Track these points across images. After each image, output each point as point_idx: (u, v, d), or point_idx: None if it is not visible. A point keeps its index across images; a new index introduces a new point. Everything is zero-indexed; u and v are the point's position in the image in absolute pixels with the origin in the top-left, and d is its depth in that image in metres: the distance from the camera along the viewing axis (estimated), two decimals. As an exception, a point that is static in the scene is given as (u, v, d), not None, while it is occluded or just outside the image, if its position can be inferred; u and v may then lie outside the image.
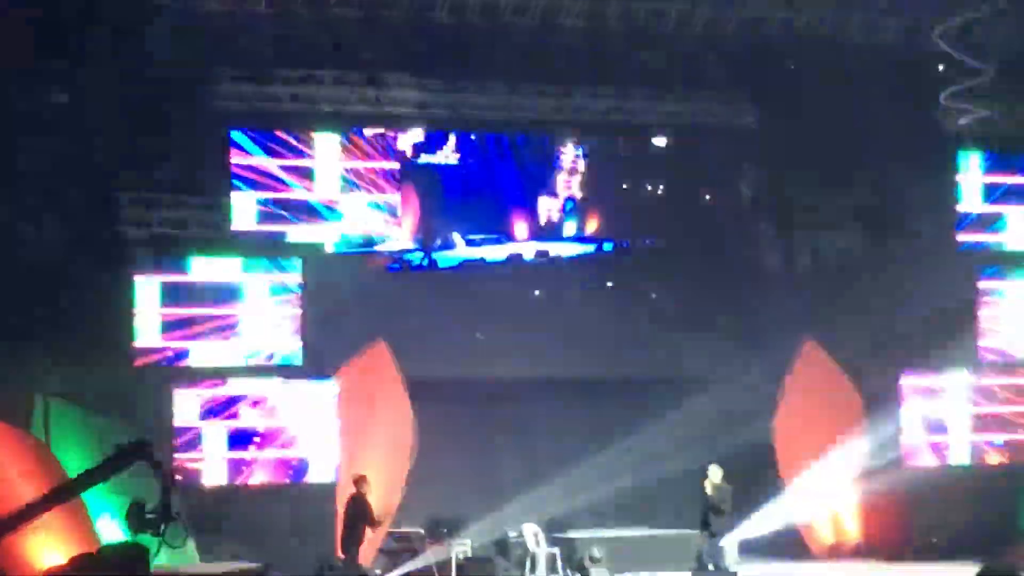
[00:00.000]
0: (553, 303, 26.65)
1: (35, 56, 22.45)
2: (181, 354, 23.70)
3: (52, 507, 15.60)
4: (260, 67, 24.09)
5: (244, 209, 24.11)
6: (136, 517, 9.00)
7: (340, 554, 21.72)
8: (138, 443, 6.69)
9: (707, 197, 27.69)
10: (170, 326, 23.57)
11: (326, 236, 24.63)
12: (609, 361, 26.21)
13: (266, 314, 24.03)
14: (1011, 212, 26.62)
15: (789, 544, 25.16)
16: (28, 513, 10.75)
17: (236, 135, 23.85)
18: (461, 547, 23.35)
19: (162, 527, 8.86)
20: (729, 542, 23.29)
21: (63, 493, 10.46)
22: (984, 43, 25.18)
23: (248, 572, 21.62)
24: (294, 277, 24.04)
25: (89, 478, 9.49)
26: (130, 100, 23.18)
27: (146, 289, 23.48)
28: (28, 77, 22.65)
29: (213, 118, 23.76)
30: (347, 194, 24.42)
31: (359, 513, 20.65)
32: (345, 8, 24.04)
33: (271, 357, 24.08)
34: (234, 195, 23.98)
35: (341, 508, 21.83)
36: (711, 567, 22.01)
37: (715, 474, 22.14)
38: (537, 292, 26.71)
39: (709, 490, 22.20)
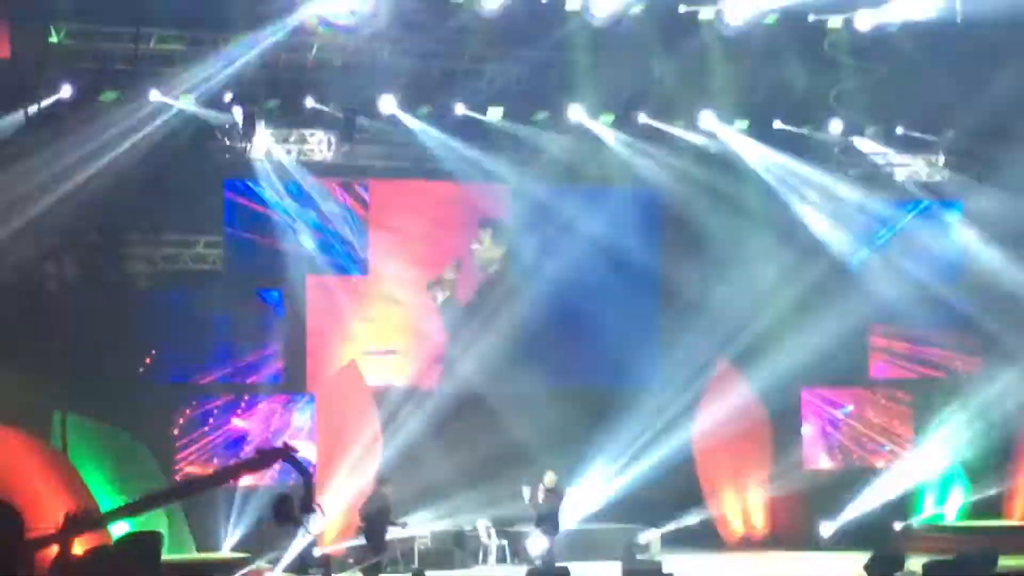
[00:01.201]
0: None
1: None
2: (181, 373, 23.70)
3: (191, 496, 16.49)
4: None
5: (254, 247, 24.19)
6: (282, 509, 9.43)
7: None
8: (284, 446, 6.64)
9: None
10: (171, 348, 23.57)
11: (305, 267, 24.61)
12: (548, 376, 25.97)
13: (253, 338, 24.09)
14: None
15: (705, 536, 25.43)
16: (162, 500, 11.73)
17: (230, 184, 24.12)
18: (422, 540, 23.57)
19: (304, 517, 8.55)
20: (652, 535, 24.06)
21: (202, 483, 11.17)
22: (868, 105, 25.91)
23: (237, 561, 22.12)
24: (278, 307, 24.28)
25: (232, 474, 9.96)
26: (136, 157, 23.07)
27: (150, 316, 23.39)
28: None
29: (210, 168, 23.89)
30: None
31: (383, 508, 20.98)
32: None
33: (258, 374, 24.07)
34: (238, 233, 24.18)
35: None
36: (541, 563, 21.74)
37: (549, 480, 22.00)
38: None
39: (541, 495, 22.01)
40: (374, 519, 21.02)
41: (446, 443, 24.57)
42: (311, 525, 10.74)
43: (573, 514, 24.76)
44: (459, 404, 25.07)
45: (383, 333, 25.60)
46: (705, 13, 24.16)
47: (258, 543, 22.88)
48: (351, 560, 23.07)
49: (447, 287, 26.17)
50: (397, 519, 21.77)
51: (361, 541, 23.05)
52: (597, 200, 26.44)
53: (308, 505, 8.43)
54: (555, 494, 21.94)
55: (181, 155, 23.56)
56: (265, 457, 7.24)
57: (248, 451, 23.54)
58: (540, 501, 21.88)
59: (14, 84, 22.25)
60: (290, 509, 8.77)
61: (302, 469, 7.60)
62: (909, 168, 27.18)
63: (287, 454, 7.44)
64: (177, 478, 23.19)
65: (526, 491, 22.12)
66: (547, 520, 22.00)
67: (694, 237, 26.38)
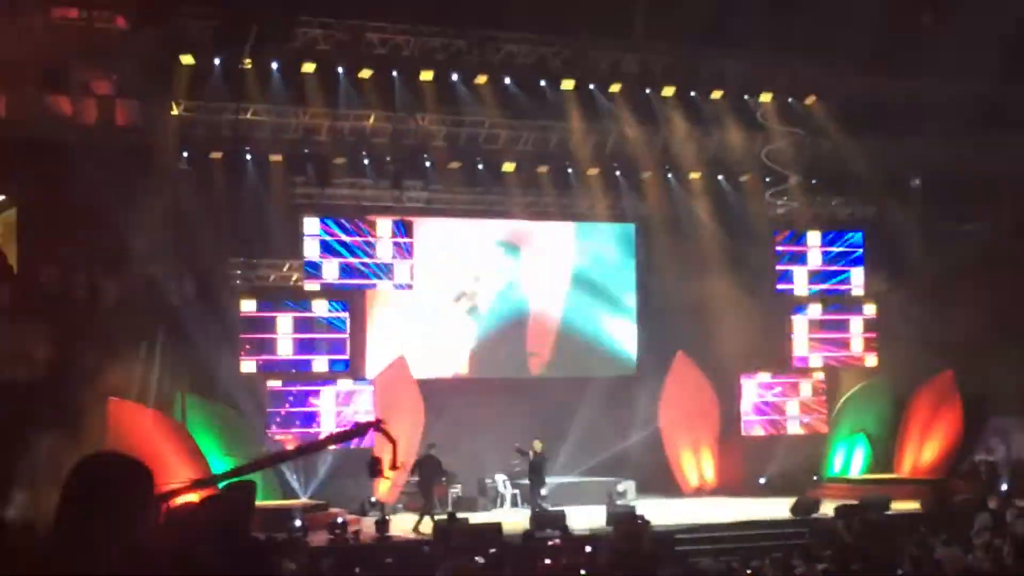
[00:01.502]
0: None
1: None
2: (271, 364, 23.81)
3: (300, 457, 15.83)
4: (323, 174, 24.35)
5: (327, 269, 24.11)
6: (374, 466, 8.81)
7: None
8: (376, 420, 5.78)
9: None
10: (263, 345, 23.73)
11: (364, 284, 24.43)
12: (547, 368, 26.34)
13: (326, 339, 24.04)
14: (797, 270, 26.98)
15: (667, 485, 25.52)
16: (278, 459, 12.02)
17: (307, 220, 24.05)
18: (455, 489, 23.72)
19: (388, 472, 8.89)
20: (628, 485, 23.92)
21: (310, 448, 10.78)
22: (789, 160, 26.53)
23: (314, 506, 22.19)
24: (344, 314, 24.12)
25: (337, 440, 9.52)
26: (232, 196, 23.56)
27: (247, 321, 23.60)
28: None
29: (292, 209, 24.21)
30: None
31: (434, 467, 21.51)
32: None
33: (328, 365, 24.00)
34: (313, 258, 23.95)
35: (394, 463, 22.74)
36: (539, 508, 21.73)
37: (537, 445, 22.48)
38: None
39: (532, 456, 22.45)
40: (428, 475, 21.69)
41: (473, 418, 24.28)
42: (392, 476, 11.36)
43: (567, 470, 24.96)
44: (483, 388, 25.08)
45: (424, 334, 25.36)
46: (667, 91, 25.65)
47: (328, 493, 22.97)
48: (400, 505, 23.33)
49: (471, 298, 26.05)
50: (444, 476, 22.33)
51: (411, 490, 23.19)
52: (584, 231, 26.93)
53: (393, 463, 9.00)
54: (541, 456, 22.43)
55: (271, 198, 23.85)
56: (362, 428, 6.88)
57: (345, 423, 23.19)
58: (531, 459, 22.47)
59: (143, 146, 22.45)
60: (379, 466, 9.47)
61: (390, 437, 7.39)
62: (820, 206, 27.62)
63: (378, 426, 7.25)
64: (268, 445, 22.72)
65: (518, 453, 22.80)
66: (535, 475, 22.53)
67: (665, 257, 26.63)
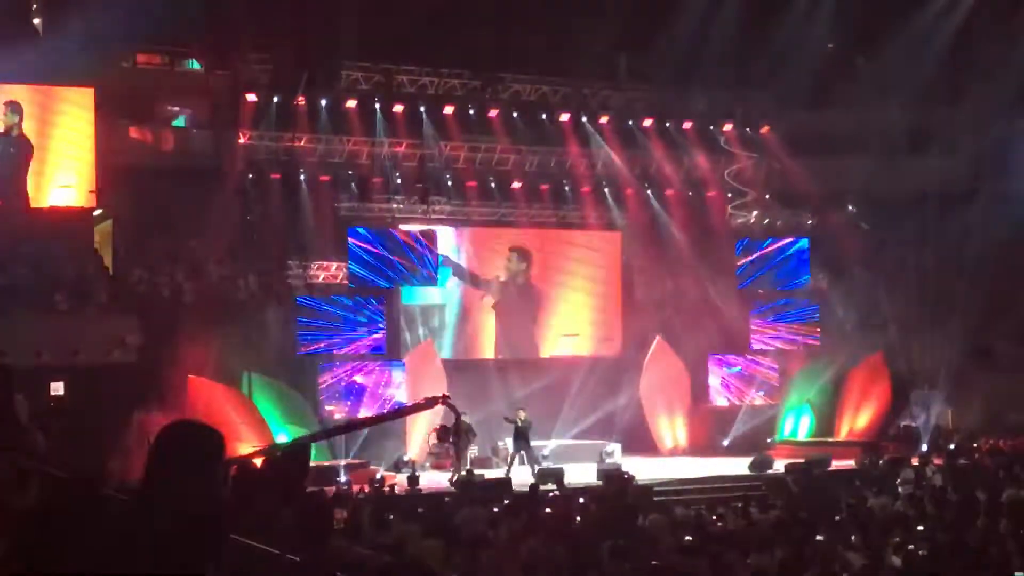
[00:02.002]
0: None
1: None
2: (322, 347, 23.36)
3: (377, 423, 15.55)
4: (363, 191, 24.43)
5: (366, 269, 23.55)
6: (443, 434, 8.68)
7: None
8: (443, 396, 5.44)
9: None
10: (315, 332, 23.29)
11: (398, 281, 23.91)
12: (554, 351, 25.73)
13: (366, 326, 23.76)
14: (754, 270, 26.35)
15: (647, 447, 25.20)
16: (361, 424, 11.85)
17: (350, 230, 23.75)
18: (472, 450, 22.86)
19: (453, 439, 8.50)
20: (615, 446, 23.43)
21: (384, 417, 10.62)
22: (747, 179, 26.52)
23: (357, 464, 21.54)
24: (381, 306, 23.84)
25: (407, 413, 8.98)
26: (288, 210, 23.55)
27: (302, 312, 23.15)
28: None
29: (338, 220, 24.16)
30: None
31: (467, 431, 20.87)
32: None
33: (370, 348, 23.69)
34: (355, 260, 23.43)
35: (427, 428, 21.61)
36: (535, 467, 21.02)
37: (521, 415, 21.72)
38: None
39: (518, 423, 21.71)
40: (461, 438, 21.00)
41: (486, 392, 23.78)
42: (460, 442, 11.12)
43: (564, 434, 24.50)
44: (496, 367, 24.85)
45: (445, 323, 25.17)
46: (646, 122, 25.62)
47: (367, 453, 22.48)
48: (427, 464, 23.00)
49: (495, 292, 25.78)
50: (475, 436, 21.81)
51: (436, 451, 22.91)
52: (580, 238, 26.70)
53: (456, 428, 8.93)
54: (525, 423, 21.78)
55: (320, 211, 23.89)
56: (430, 402, 6.05)
57: (366, 398, 23.19)
58: (518, 425, 21.81)
59: (215, 169, 22.73)
60: (448, 433, 9.75)
61: (455, 409, 6.70)
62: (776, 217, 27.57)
63: (445, 400, 6.22)
64: (323, 417, 22.53)
65: (506, 421, 22.04)
66: (521, 440, 21.90)
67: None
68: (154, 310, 21.26)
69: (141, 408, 17.93)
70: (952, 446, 23.00)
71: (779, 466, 21.49)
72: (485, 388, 24.07)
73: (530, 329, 26.05)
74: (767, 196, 26.90)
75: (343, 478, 19.89)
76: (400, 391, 23.34)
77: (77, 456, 10.77)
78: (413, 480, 20.07)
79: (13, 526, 3.78)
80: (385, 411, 19.47)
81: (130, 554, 3.46)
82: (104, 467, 14.21)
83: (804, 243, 26.92)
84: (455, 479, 20.31)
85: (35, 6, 21.10)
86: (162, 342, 20.20)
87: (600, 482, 19.67)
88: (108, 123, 21.97)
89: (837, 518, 12.74)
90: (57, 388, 19.28)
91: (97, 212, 21.81)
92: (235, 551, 3.91)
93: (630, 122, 25.63)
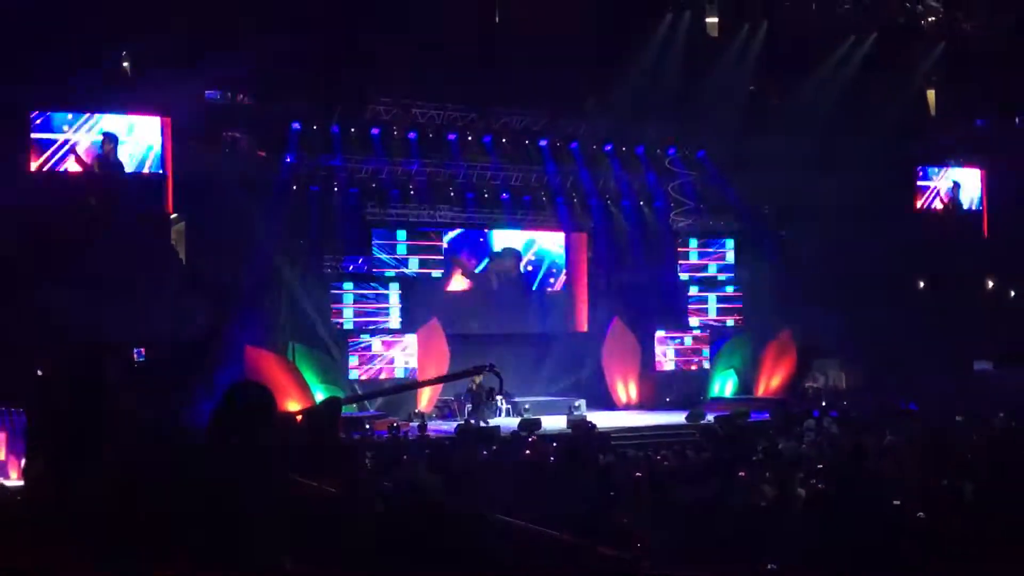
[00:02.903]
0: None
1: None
2: (351, 322, 23.16)
3: (426, 386, 15.24)
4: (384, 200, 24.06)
5: (387, 261, 23.52)
6: (491, 392, 8.02)
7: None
8: (489, 365, 5.07)
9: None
10: (346, 310, 23.18)
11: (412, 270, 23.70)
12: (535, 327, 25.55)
13: (385, 306, 23.66)
14: (691, 264, 26.46)
15: (607, 402, 24.83)
16: (412, 386, 10.86)
17: (375, 231, 23.69)
18: (469, 405, 21.99)
19: (490, 399, 7.93)
20: (581, 402, 22.93)
21: (438, 380, 9.59)
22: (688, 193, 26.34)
23: (378, 417, 21.00)
24: (399, 291, 23.73)
25: (457, 378, 8.41)
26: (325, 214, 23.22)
27: (334, 295, 23.06)
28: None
29: (365, 223, 23.91)
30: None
31: (488, 391, 20.40)
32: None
33: (388, 323, 23.53)
34: (379, 254, 23.43)
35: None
36: (483, 423, 20.07)
37: (477, 380, 20.10)
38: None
39: (473, 387, 20.65)
40: (479, 396, 20.85)
41: (481, 360, 23.62)
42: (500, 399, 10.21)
43: (542, 392, 24.04)
44: (490, 340, 24.19)
45: (449, 302, 24.80)
46: (608, 146, 25.11)
47: (387, 406, 22.26)
48: (433, 415, 22.62)
49: (488, 280, 25.48)
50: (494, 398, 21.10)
51: (441, 404, 22.74)
52: (554, 239, 26.32)
53: (500, 390, 7.99)
54: (482, 388, 20.93)
55: (350, 216, 23.56)
56: (478, 368, 5.82)
57: (383, 364, 22.94)
58: (473, 390, 21.09)
59: (266, 181, 22.01)
60: (484, 394, 8.98)
61: (498, 374, 5.98)
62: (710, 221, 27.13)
63: (492, 367, 5.91)
64: (356, 381, 22.32)
65: (472, 384, 21.14)
66: (476, 401, 21.29)
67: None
68: (218, 294, 20.96)
69: (209, 373, 17.78)
70: (844, 402, 22.98)
71: (710, 417, 21.54)
72: (482, 358, 23.45)
73: (515, 311, 25.86)
74: (701, 206, 26.74)
75: (367, 427, 19.79)
76: (413, 359, 22.93)
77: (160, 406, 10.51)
78: (423, 428, 19.71)
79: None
80: (442, 375, 19.31)
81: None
82: (178, 416, 14.08)
83: (730, 243, 26.88)
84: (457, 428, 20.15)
85: (124, 52, 20.90)
86: (224, 320, 19.86)
87: (569, 430, 19.53)
88: (181, 146, 21.78)
89: (754, 459, 12.77)
90: (139, 355, 19.47)
91: (173, 216, 21.58)
92: (286, 485, 3.85)
93: (595, 146, 25.46)
